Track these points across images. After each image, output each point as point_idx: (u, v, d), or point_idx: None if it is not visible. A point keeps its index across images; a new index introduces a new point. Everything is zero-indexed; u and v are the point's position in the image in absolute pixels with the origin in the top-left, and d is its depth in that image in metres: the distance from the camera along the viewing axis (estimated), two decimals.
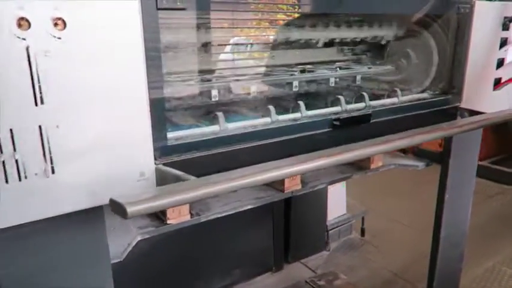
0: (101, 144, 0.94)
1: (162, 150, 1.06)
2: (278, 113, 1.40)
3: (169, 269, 2.48)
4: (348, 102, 1.56)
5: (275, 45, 1.60)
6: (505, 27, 1.81)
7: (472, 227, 2.23)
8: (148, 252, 2.15)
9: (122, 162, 0.98)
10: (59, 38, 0.84)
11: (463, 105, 1.79)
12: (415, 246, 3.18)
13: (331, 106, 1.55)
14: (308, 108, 1.46)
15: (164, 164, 1.06)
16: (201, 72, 1.30)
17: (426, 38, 1.83)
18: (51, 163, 0.89)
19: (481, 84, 1.82)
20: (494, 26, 1.80)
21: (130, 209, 0.79)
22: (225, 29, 1.29)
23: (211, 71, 1.31)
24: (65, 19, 0.84)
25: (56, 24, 0.84)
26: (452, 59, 1.78)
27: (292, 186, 1.46)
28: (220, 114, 1.27)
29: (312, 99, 1.66)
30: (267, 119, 1.38)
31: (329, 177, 1.59)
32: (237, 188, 0.99)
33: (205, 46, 1.29)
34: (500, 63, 1.85)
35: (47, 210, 0.91)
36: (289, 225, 3.05)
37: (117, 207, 0.81)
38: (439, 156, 1.98)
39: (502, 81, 1.87)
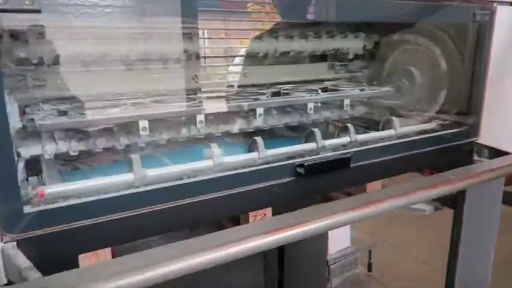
0: None
1: (15, 220, 0.72)
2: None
3: None
4: (326, 137, 1.20)
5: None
6: None
7: (492, 264, 1.81)
8: None
9: None
10: None
11: (480, 140, 1.39)
12: (429, 286, 2.73)
13: (306, 141, 1.19)
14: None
15: (22, 241, 0.72)
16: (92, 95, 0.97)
17: (434, 54, 1.44)
18: None
19: (504, 113, 1.41)
20: None
21: None
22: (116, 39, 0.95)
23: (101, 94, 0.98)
24: None
25: None
26: (467, 80, 1.39)
27: None
28: (135, 156, 0.93)
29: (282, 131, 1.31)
30: (209, 163, 1.02)
31: None
32: None
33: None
34: None
35: None
36: (284, 262, 2.69)
37: None
38: (453, 199, 1.57)
39: None
